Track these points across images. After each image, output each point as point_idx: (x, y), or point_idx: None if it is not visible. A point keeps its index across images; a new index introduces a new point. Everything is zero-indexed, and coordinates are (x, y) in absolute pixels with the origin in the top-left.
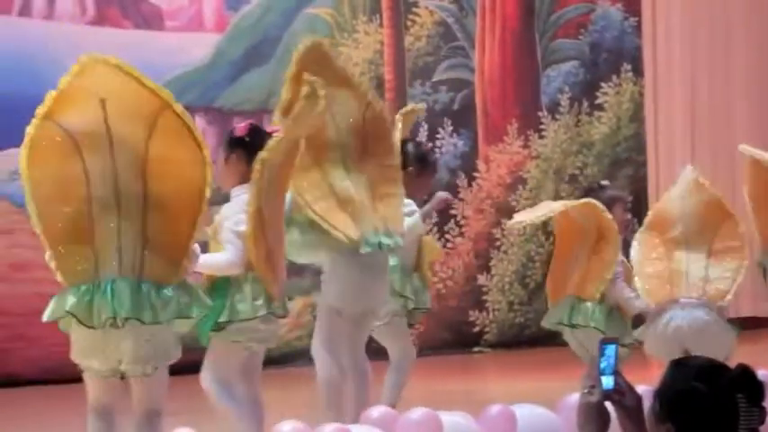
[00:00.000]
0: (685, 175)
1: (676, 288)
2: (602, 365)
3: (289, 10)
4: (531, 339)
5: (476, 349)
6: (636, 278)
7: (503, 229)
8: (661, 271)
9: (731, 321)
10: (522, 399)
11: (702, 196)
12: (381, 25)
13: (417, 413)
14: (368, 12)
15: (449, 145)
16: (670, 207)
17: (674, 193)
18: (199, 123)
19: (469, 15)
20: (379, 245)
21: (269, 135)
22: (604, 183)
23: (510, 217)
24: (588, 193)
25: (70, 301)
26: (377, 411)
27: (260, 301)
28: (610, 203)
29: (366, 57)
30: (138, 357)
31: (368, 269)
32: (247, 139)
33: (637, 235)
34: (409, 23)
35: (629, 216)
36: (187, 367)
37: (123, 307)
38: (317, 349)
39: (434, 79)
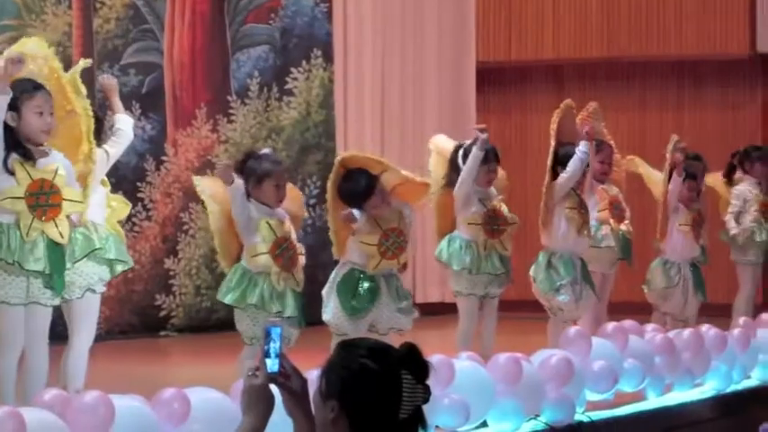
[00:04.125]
0: None
1: None
2: (267, 348)
3: None
4: (218, 323)
5: (162, 333)
6: None
7: (191, 213)
8: None
9: (419, 305)
10: (203, 382)
11: None
12: (70, 7)
13: (89, 396)
14: None
15: (137, 129)
16: None
17: None
18: None
19: None
20: None
21: None
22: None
23: (198, 201)
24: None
25: None
26: (48, 394)
27: None
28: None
29: (54, 39)
30: None
31: None
32: None
33: None
34: (98, 5)
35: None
36: None
37: None
38: None
39: (123, 62)
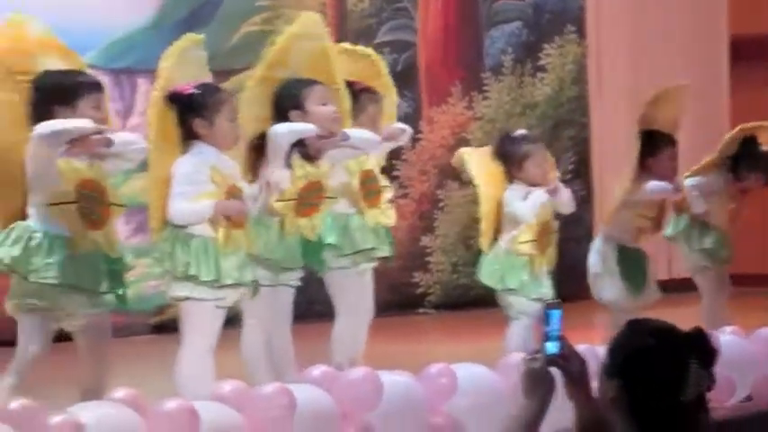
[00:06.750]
0: None
1: None
2: (546, 331)
3: None
4: (475, 300)
5: (420, 310)
6: None
7: (447, 190)
8: None
9: (663, 283)
10: (464, 359)
11: None
12: None
13: (357, 372)
14: None
15: None
16: None
17: None
18: (141, 85)
19: None
20: None
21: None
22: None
23: (454, 178)
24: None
25: None
26: (317, 370)
27: None
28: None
29: None
30: None
31: None
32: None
33: None
34: None
35: None
36: None
37: None
38: None
39: (377, 41)
